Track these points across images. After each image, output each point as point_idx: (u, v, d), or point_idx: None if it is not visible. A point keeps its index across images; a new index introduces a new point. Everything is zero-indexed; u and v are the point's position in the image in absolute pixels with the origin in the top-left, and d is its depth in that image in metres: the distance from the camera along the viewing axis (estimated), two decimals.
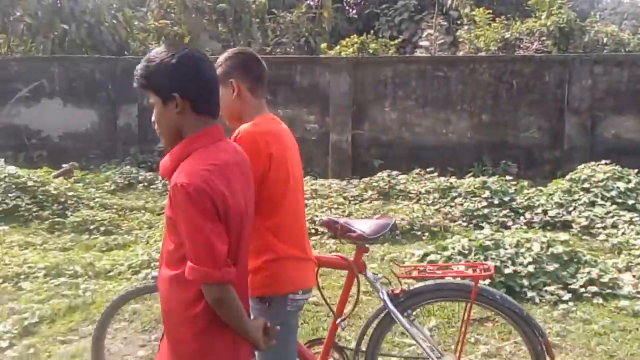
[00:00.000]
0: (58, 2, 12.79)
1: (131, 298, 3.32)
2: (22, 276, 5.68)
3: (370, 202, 8.52)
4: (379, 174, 9.45)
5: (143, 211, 8.64)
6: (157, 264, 5.92)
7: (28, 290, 5.33)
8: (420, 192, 8.69)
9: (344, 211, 7.87)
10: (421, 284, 3.03)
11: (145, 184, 10.05)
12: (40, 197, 8.39)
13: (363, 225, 2.87)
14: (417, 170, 9.78)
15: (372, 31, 15.70)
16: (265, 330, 1.94)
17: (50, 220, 7.86)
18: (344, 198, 8.59)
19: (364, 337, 2.99)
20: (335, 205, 8.10)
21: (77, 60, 11.81)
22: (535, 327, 2.77)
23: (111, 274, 5.83)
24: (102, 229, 7.63)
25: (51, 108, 11.67)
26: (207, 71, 1.87)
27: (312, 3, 16.33)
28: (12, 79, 11.64)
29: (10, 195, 8.18)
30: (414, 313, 3.01)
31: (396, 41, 14.80)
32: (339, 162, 11.12)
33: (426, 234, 7.06)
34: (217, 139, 1.88)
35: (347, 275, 2.85)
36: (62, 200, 8.46)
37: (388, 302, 2.81)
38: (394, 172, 9.44)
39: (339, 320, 2.86)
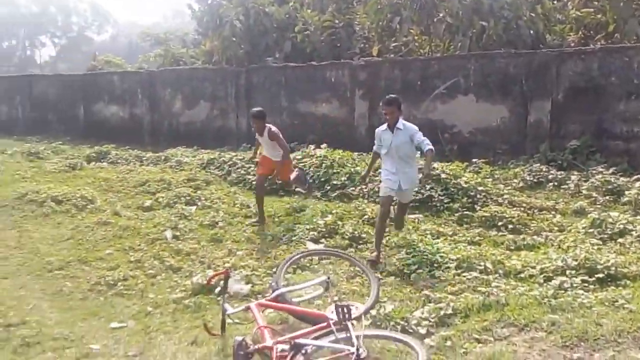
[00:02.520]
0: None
1: None
2: (435, 265, 5.86)
3: None
4: None
5: (553, 212, 8.10)
6: (572, 272, 5.42)
7: (442, 280, 5.46)
8: None
9: None
10: None
11: (556, 183, 9.44)
12: (452, 189, 8.66)
13: None
14: None
15: None
16: None
17: (460, 213, 8.03)
18: None
19: None
20: None
21: (493, 56, 11.87)
22: None
23: (522, 275, 5.53)
24: (509, 226, 7.41)
25: (464, 104, 12.05)
26: None
27: None
28: (432, 76, 12.44)
29: (425, 186, 8.66)
30: None
31: None
32: None
33: None
34: None
35: None
36: (472, 194, 8.57)
37: None
38: None
39: None
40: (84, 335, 4.69)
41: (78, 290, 5.75)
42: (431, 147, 6.25)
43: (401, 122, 6.41)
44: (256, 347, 3.79)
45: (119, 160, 12.92)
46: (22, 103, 21.09)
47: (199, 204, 8.85)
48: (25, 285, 5.84)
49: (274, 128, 7.79)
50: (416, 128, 6.44)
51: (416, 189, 7.95)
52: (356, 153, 10.76)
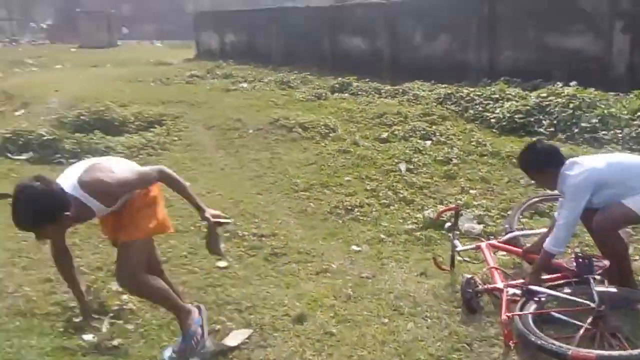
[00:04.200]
0: None
1: None
2: None
3: None
4: None
5: None
6: None
7: None
8: None
9: None
10: None
11: None
12: None
13: None
14: None
15: None
16: None
17: None
18: None
19: None
20: None
21: None
22: None
23: None
24: None
25: None
26: None
27: None
28: None
29: None
30: None
31: None
32: None
33: None
34: None
35: None
36: None
37: None
38: None
39: None
40: (323, 252, 5.13)
41: (320, 211, 6.25)
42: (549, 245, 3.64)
43: (561, 180, 3.72)
44: (485, 287, 3.78)
45: (360, 92, 13.40)
46: (277, 34, 22.89)
47: (434, 139, 8.86)
48: (275, 202, 6.54)
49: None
50: (570, 182, 3.63)
51: None
52: (611, 93, 9.66)
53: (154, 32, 54.53)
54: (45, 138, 8.61)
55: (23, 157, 8.38)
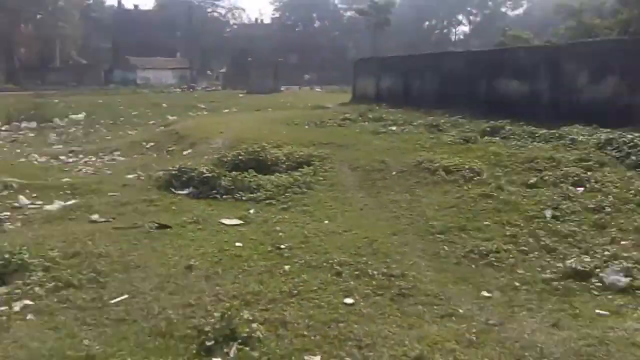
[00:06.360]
0: None
1: None
2: None
3: None
4: None
5: None
6: None
7: None
8: None
9: None
10: None
11: None
12: None
13: None
14: None
15: None
16: None
17: None
18: None
19: None
20: None
21: None
22: None
23: None
24: None
25: None
26: None
27: None
28: None
29: None
30: None
31: None
32: None
33: None
34: None
35: None
36: None
37: None
38: None
39: None
40: (451, 296, 5.05)
41: (453, 255, 6.16)
42: None
43: None
44: None
45: (512, 136, 12.86)
46: (431, 79, 22.94)
47: (587, 185, 8.28)
48: (409, 243, 6.54)
49: None
50: None
51: None
52: None
53: (318, 79, 58.30)
54: (205, 175, 9.41)
55: (184, 192, 9.24)
